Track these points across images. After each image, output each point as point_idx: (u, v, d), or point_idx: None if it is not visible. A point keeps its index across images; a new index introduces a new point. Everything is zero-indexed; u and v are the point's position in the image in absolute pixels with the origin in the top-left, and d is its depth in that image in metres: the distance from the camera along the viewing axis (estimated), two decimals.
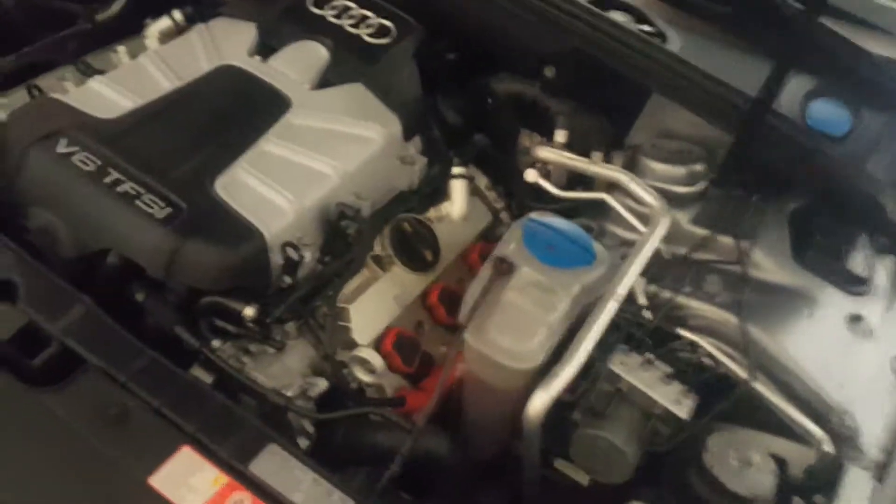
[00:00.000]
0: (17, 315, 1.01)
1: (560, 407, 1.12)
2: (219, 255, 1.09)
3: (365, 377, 1.19)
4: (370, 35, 1.44)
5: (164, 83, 1.30)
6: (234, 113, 1.27)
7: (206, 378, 1.11)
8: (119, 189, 1.11)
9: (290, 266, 1.17)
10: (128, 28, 1.54)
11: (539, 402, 1.07)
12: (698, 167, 1.40)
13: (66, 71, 1.42)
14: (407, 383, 1.27)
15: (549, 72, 1.51)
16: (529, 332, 1.11)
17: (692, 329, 1.24)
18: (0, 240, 1.09)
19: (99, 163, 1.14)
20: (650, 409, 1.15)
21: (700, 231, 1.35)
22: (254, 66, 1.36)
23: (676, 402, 1.14)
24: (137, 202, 1.10)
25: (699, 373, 1.19)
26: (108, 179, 1.12)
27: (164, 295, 1.13)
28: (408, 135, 1.41)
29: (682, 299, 1.28)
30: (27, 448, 0.92)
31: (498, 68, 1.57)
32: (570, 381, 1.10)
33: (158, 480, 0.90)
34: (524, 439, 1.11)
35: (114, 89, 1.26)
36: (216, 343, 1.12)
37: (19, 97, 1.33)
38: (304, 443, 1.11)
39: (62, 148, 1.14)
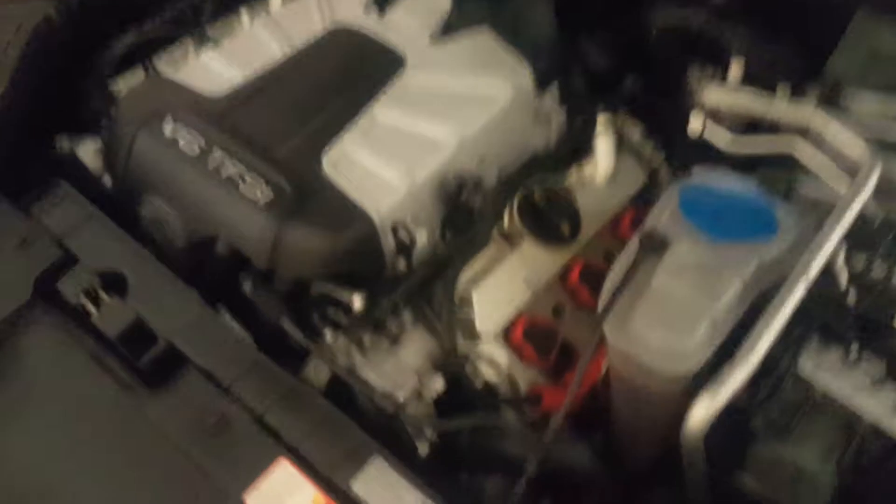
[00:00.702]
0: (126, 311, 0.99)
1: (735, 412, 0.91)
2: (321, 242, 0.99)
3: (490, 375, 1.05)
4: None
5: (275, 51, 1.20)
6: (344, 80, 1.15)
7: (323, 377, 1.04)
8: (223, 173, 1.04)
9: (403, 249, 1.05)
10: None
11: (701, 414, 0.86)
12: None
13: (184, 43, 1.40)
14: (544, 377, 1.13)
15: None
16: (687, 326, 0.90)
17: None
18: (112, 229, 1.08)
19: (203, 145, 1.07)
20: (854, 423, 0.90)
21: None
22: (368, 23, 1.23)
23: (890, 414, 0.88)
24: (241, 187, 1.03)
25: None
26: (212, 163, 1.05)
27: (272, 285, 1.08)
28: (542, 84, 1.21)
29: None
30: (121, 454, 0.89)
31: None
32: (747, 382, 0.89)
33: (255, 497, 0.84)
34: (684, 456, 0.92)
35: (224, 62, 1.19)
36: (329, 336, 1.05)
37: (137, 76, 1.33)
38: (424, 447, 1.01)
39: (168, 130, 1.10)
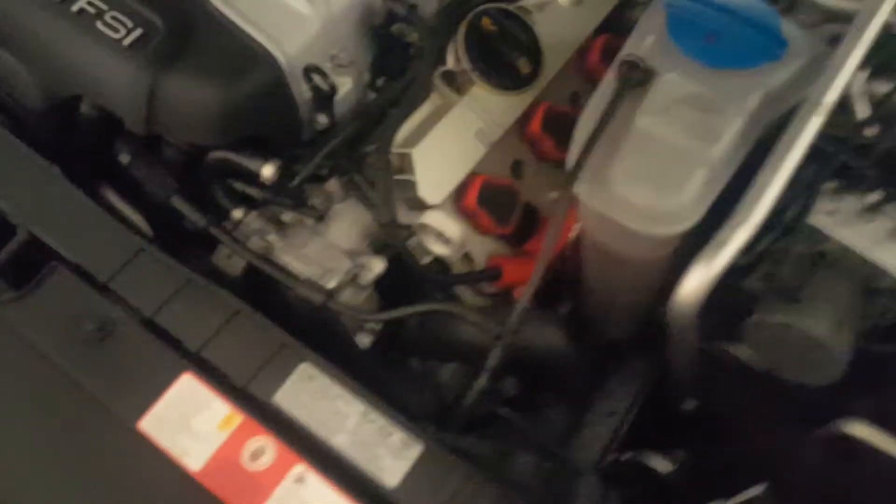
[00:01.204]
0: None
1: (729, 272, 0.78)
2: (211, 94, 0.76)
3: (440, 249, 0.87)
4: None
5: None
6: None
7: (237, 265, 0.86)
8: (73, 7, 0.79)
9: (322, 100, 0.84)
10: None
11: (695, 284, 0.71)
12: None
13: None
14: (504, 247, 0.97)
15: None
16: (679, 178, 0.72)
17: None
18: None
19: None
20: (872, 280, 0.75)
21: None
22: None
23: None
24: (98, 24, 0.79)
25: None
26: None
27: (160, 152, 0.87)
28: None
29: None
30: None
31: None
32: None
33: (151, 424, 0.67)
34: (672, 330, 0.79)
35: None
36: (237, 214, 0.86)
37: None
38: (365, 340, 0.86)
39: None
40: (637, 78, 0.77)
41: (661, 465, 0.97)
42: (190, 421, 0.66)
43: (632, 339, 0.98)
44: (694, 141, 0.74)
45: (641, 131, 0.75)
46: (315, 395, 0.69)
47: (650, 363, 1.01)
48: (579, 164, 0.73)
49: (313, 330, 0.80)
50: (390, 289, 0.88)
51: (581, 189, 0.74)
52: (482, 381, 0.72)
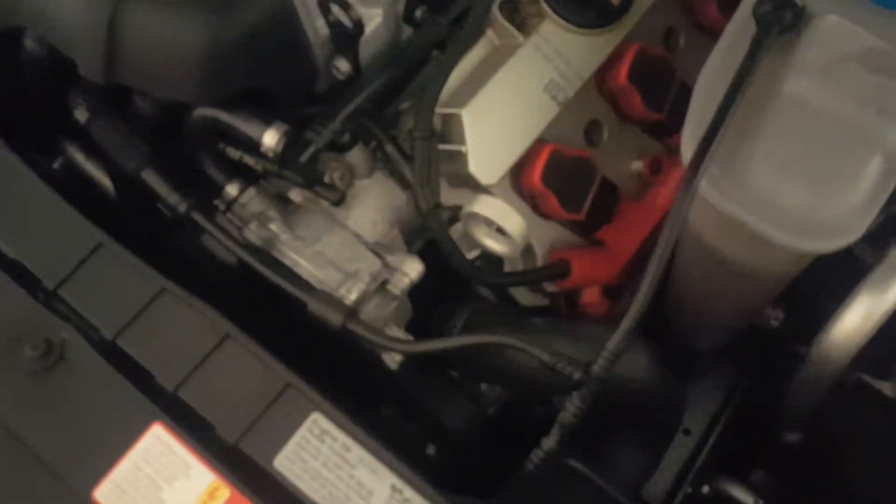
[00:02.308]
0: None
1: None
2: (196, 30, 0.56)
3: (495, 245, 0.67)
4: None
5: None
6: None
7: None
8: None
9: (343, 39, 0.64)
10: None
11: (860, 319, 0.53)
12: None
13: None
14: (573, 235, 0.77)
15: None
16: (846, 171, 0.52)
17: None
18: None
19: None
20: None
21: None
22: None
23: None
24: None
25: None
26: None
27: (129, 107, 0.68)
28: None
29: None
30: None
31: None
32: None
33: (109, 494, 0.49)
34: (811, 369, 0.60)
35: None
36: (232, 190, 0.68)
37: None
38: (394, 361, 0.67)
39: None
40: (785, 21, 0.55)
41: (746, 498, 0.82)
42: (161, 492, 0.49)
43: (719, 349, 0.82)
44: (869, 116, 0.53)
45: (793, 101, 0.53)
46: (329, 461, 0.51)
47: (739, 374, 0.84)
48: (703, 151, 0.53)
49: (329, 340, 0.65)
50: (422, 286, 0.70)
51: (706, 185, 0.54)
52: (552, 442, 0.55)
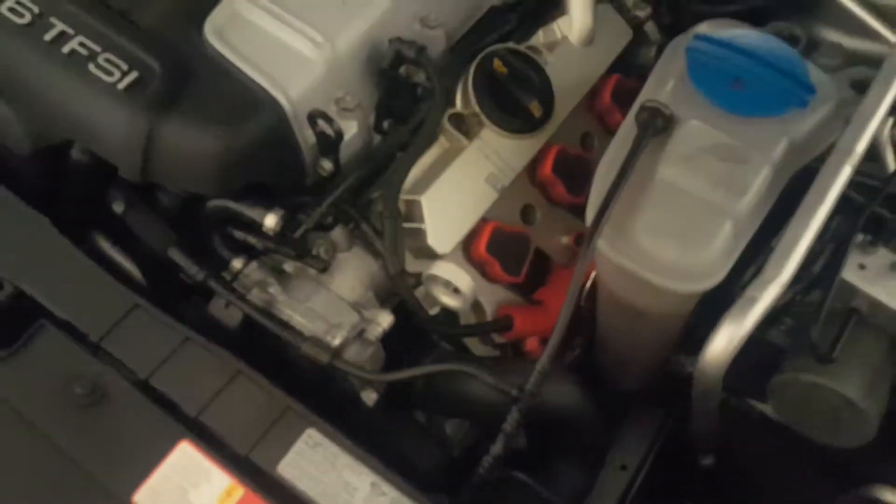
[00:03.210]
0: None
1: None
2: (211, 141, 0.74)
3: (449, 301, 0.84)
4: None
5: None
6: None
7: (235, 317, 0.83)
8: (64, 47, 0.77)
9: (327, 146, 0.82)
10: None
11: (723, 345, 0.69)
12: None
13: None
14: (515, 295, 0.94)
15: None
16: (706, 233, 0.71)
17: None
18: None
19: (36, 11, 0.80)
20: None
21: None
22: None
23: None
24: (91, 66, 0.77)
25: None
26: (48, 34, 0.78)
27: (155, 200, 0.85)
28: None
29: None
30: None
31: None
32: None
33: (146, 498, 0.63)
34: (696, 389, 0.77)
35: None
36: (237, 264, 0.84)
37: None
38: (371, 398, 0.83)
39: None
40: (658, 125, 0.75)
41: None
42: (188, 495, 0.63)
43: (644, 391, 0.97)
44: (720, 193, 0.72)
45: (664, 182, 0.73)
46: (321, 465, 0.66)
47: (663, 415, 0.99)
48: (599, 219, 0.71)
49: (315, 384, 0.79)
50: (394, 339, 0.86)
51: (602, 244, 0.72)
52: (498, 448, 0.70)
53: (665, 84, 0.78)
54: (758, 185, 0.72)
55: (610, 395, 0.92)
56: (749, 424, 0.91)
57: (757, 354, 0.79)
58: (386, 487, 0.64)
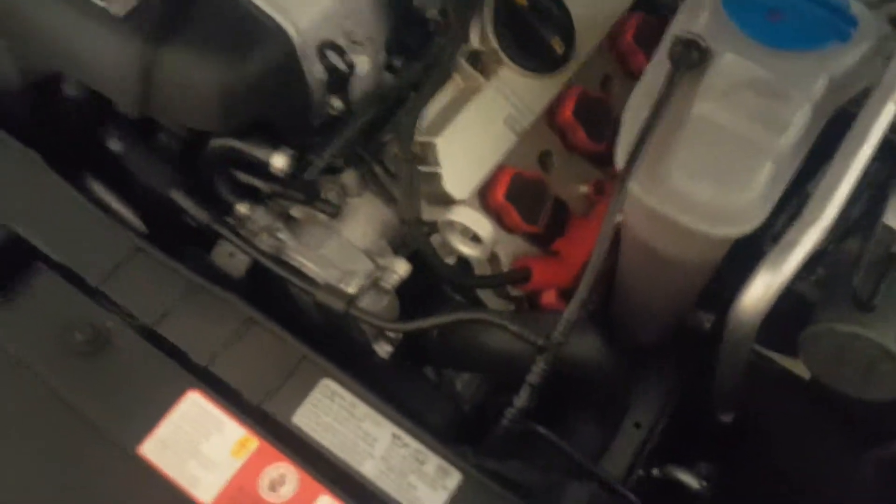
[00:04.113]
0: None
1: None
2: (214, 73, 0.69)
3: (466, 249, 0.81)
4: None
5: None
6: None
7: (240, 265, 0.80)
8: None
9: (337, 80, 0.78)
10: None
11: (762, 289, 0.66)
12: None
13: None
14: (533, 246, 0.92)
15: None
16: (744, 172, 0.67)
17: None
18: None
19: None
20: None
21: None
22: None
23: None
24: None
25: None
26: None
27: (157, 141, 0.80)
28: None
29: None
30: None
31: None
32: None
33: (154, 449, 0.61)
34: (727, 340, 0.75)
35: None
36: (243, 209, 0.80)
37: None
38: (385, 350, 0.81)
39: None
40: (693, 58, 0.71)
41: (692, 481, 0.94)
42: (199, 445, 0.60)
43: (661, 345, 0.95)
44: (759, 130, 0.68)
45: (700, 119, 0.69)
46: (339, 416, 0.63)
47: (680, 372, 0.98)
48: (633, 158, 0.68)
49: (325, 335, 0.76)
50: (408, 290, 0.83)
51: (635, 185, 0.68)
52: (523, 399, 0.67)
53: (697, 16, 0.74)
54: (798, 122, 0.68)
55: (628, 352, 0.91)
56: (770, 381, 0.90)
57: (785, 307, 0.77)
58: (408, 439, 0.62)
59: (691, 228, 0.68)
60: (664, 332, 0.92)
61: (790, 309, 0.78)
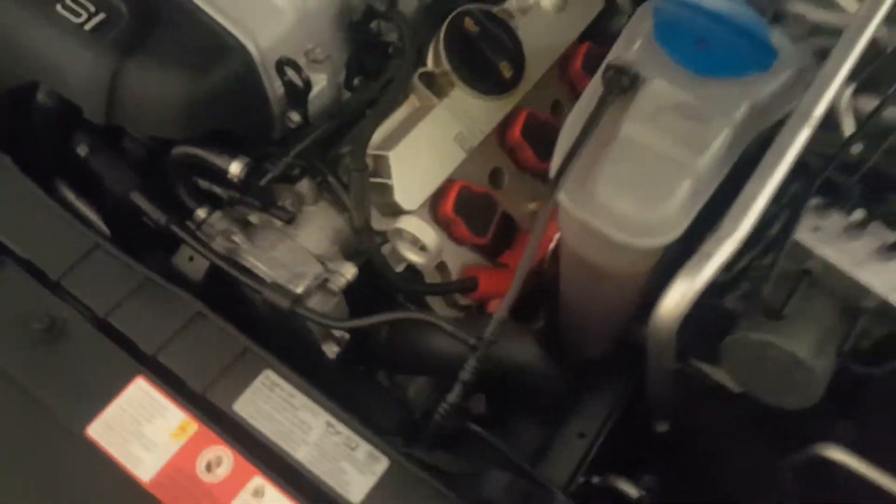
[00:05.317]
0: None
1: (708, 291, 0.78)
2: (178, 84, 0.75)
3: (415, 257, 0.86)
4: None
5: None
6: None
7: (199, 268, 0.84)
8: None
9: (296, 95, 0.83)
10: None
11: (678, 299, 0.71)
12: None
13: None
14: (480, 257, 0.96)
15: None
16: (666, 188, 0.73)
17: None
18: None
19: None
20: (854, 300, 0.76)
21: None
22: None
23: None
24: (58, 6, 0.77)
25: None
26: None
27: (121, 147, 0.85)
28: None
29: None
30: None
31: None
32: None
33: (100, 430, 0.65)
34: (650, 348, 0.79)
35: None
36: (201, 213, 0.84)
37: None
38: (332, 350, 0.85)
39: None
40: (624, 83, 0.77)
41: (631, 490, 0.98)
42: (142, 428, 0.64)
43: (605, 358, 0.99)
44: (680, 150, 0.74)
45: (627, 139, 0.75)
46: (278, 405, 0.67)
47: (623, 384, 1.02)
48: (562, 171, 0.73)
49: (278, 338, 0.80)
50: (358, 297, 0.87)
51: (563, 197, 0.74)
52: (455, 394, 0.71)
53: (632, 44, 0.80)
54: (718, 144, 0.74)
55: (573, 364, 0.95)
56: (705, 394, 0.94)
57: (715, 321, 0.82)
58: (340, 427, 0.66)
59: (616, 239, 0.73)
60: (606, 345, 0.96)
61: (720, 323, 0.84)
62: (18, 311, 0.69)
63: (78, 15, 0.76)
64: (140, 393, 0.66)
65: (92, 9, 0.76)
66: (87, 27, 0.75)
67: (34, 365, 0.67)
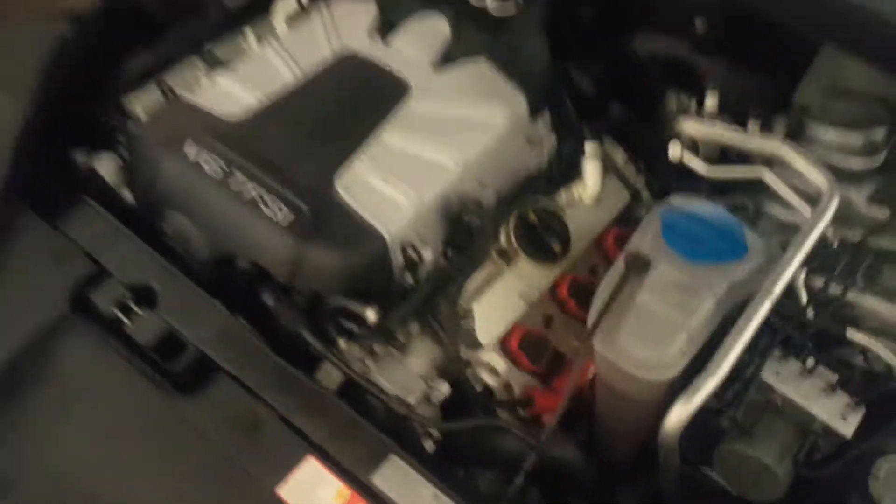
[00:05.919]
0: (157, 321, 1.13)
1: (705, 413, 1.08)
2: (339, 260, 1.13)
3: (489, 380, 1.21)
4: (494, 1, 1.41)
5: (286, 75, 1.34)
6: (353, 105, 1.29)
7: (335, 380, 1.18)
8: (245, 196, 1.17)
9: (411, 266, 1.20)
10: (255, 10, 1.61)
11: (677, 418, 1.03)
12: (878, 133, 1.25)
13: (192, 63, 1.50)
14: (536, 381, 1.29)
15: (699, 25, 1.41)
16: (666, 340, 1.06)
17: (864, 331, 1.14)
18: (138, 244, 1.21)
19: (225, 168, 1.21)
20: (807, 424, 1.08)
21: (878, 212, 1.22)
22: (373, 49, 1.37)
23: (840, 417, 1.06)
24: (262, 208, 1.17)
25: (871, 383, 1.10)
26: (234, 186, 1.19)
27: (292, 298, 1.21)
28: (535, 110, 1.36)
29: (852, 295, 1.18)
30: (165, 453, 1.03)
31: (640, 25, 1.49)
32: (717, 388, 1.06)
33: (286, 490, 0.99)
34: (660, 453, 1.09)
35: (239, 86, 1.31)
36: (342, 344, 1.20)
37: (151, 94, 1.43)
38: (430, 445, 1.16)
39: (191, 154, 1.22)
40: (639, 266, 1.12)
41: None
42: (315, 491, 0.96)
43: (632, 462, 1.28)
44: (678, 314, 1.08)
45: (641, 304, 1.10)
46: (400, 479, 0.99)
47: (645, 484, 1.29)
48: (596, 325, 1.07)
49: (389, 433, 1.12)
50: (449, 409, 1.20)
51: (597, 342, 1.07)
52: (519, 480, 1.02)
53: (646, 236, 1.16)
54: (705, 310, 1.08)
55: (606, 463, 1.24)
56: (710, 494, 1.22)
57: (713, 436, 1.11)
58: (444, 498, 0.97)
59: (634, 374, 1.06)
60: (631, 451, 1.25)
61: (716, 438, 1.13)
62: (231, 408, 1.04)
63: (276, 215, 1.14)
64: (312, 468, 0.99)
65: (286, 210, 1.14)
66: (283, 224, 1.13)
67: (243, 447, 1.01)
